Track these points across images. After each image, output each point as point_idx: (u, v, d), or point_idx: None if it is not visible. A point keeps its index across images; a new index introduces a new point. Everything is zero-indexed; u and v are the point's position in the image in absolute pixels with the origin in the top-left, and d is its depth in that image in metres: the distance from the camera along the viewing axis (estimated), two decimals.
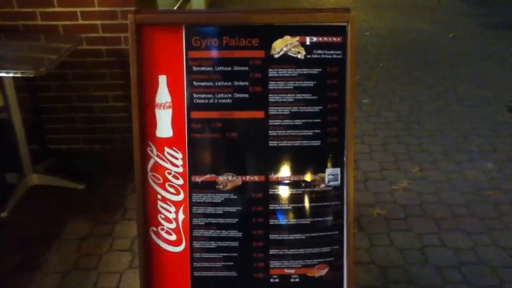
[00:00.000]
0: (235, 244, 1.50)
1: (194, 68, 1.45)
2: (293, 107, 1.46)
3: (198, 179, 1.48)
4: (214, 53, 1.45)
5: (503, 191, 2.76)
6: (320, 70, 1.45)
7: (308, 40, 1.44)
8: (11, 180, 2.71)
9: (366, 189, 2.78)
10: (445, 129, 3.54)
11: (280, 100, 1.46)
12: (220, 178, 1.47)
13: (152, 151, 1.49)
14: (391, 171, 2.98)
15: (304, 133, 1.46)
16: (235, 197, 1.48)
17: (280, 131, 1.46)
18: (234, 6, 7.34)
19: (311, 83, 1.45)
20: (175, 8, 4.46)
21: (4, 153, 2.73)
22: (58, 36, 2.76)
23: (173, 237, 1.50)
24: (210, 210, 1.49)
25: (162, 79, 1.47)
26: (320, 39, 1.44)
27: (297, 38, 1.44)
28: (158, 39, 1.44)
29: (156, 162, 1.49)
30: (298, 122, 1.46)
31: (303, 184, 1.48)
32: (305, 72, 1.45)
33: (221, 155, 1.49)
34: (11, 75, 2.21)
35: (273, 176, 1.48)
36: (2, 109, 2.57)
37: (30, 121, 2.90)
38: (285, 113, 1.46)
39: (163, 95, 1.47)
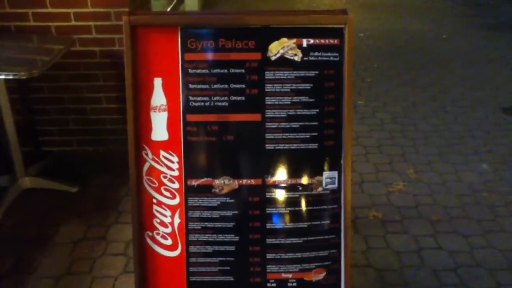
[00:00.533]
0: (232, 248, 1.48)
1: (190, 71, 1.44)
2: (290, 110, 1.45)
3: (194, 182, 1.46)
4: (210, 55, 1.44)
5: (498, 193, 2.77)
6: (317, 72, 1.44)
7: (305, 42, 1.43)
8: (3, 183, 2.68)
9: (361, 191, 2.77)
10: (440, 131, 3.55)
11: (277, 102, 1.45)
12: (216, 182, 1.46)
13: (147, 154, 1.47)
14: (386, 173, 2.98)
15: (301, 136, 1.45)
16: (232, 201, 1.47)
17: (277, 134, 1.45)
18: (228, 8, 7.32)
19: (308, 86, 1.45)
20: (168, 9, 4.44)
21: None
22: (51, 37, 2.72)
23: (169, 242, 1.48)
24: (206, 214, 1.47)
25: (158, 82, 1.45)
26: (317, 41, 1.44)
27: (294, 40, 1.43)
28: (153, 40, 1.43)
29: (151, 165, 1.47)
30: (295, 125, 1.45)
31: (300, 188, 1.47)
32: (302, 75, 1.44)
33: (217, 158, 1.47)
34: (2, 76, 2.17)
35: (270, 180, 1.47)
36: None
37: (22, 123, 2.86)
38: (282, 115, 1.45)
39: (158, 97, 1.46)
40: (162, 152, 1.47)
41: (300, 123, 1.45)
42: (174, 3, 4.76)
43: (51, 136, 3.07)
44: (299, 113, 1.44)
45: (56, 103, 2.97)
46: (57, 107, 2.98)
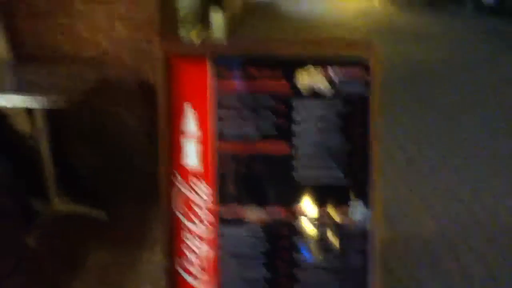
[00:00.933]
0: (261, 279, 1.47)
1: (220, 99, 1.46)
2: (319, 141, 1.45)
3: (224, 211, 1.47)
4: (239, 84, 1.46)
5: None
6: (344, 103, 1.44)
7: (332, 72, 1.44)
8: (36, 207, 2.74)
9: (388, 224, 2.70)
10: (472, 164, 3.43)
11: (306, 133, 1.45)
12: (246, 212, 1.46)
13: (177, 180, 1.49)
14: (415, 207, 2.90)
15: (329, 168, 1.45)
16: (261, 231, 1.46)
17: (305, 165, 1.45)
18: (252, 35, 7.43)
19: (336, 117, 1.45)
20: (194, 36, 4.55)
21: (30, 180, 2.76)
22: (84, 64, 2.82)
23: (199, 271, 1.48)
24: (236, 244, 1.47)
25: (189, 109, 1.48)
26: (344, 71, 1.44)
27: (322, 70, 1.44)
28: (185, 68, 1.47)
29: (182, 192, 1.49)
30: (323, 156, 1.45)
31: (328, 220, 1.46)
32: (329, 105, 1.45)
33: (247, 188, 1.48)
34: (41, 104, 2.25)
35: (299, 211, 1.46)
36: (30, 136, 2.62)
37: (53, 147, 2.94)
38: (310, 146, 1.45)
39: (189, 124, 1.49)
40: (192, 179, 1.49)
41: (328, 155, 1.45)
42: (200, 29, 4.89)
43: (81, 160, 3.14)
44: (327, 144, 1.45)
45: (86, 126, 3.05)
46: (86, 131, 3.06)
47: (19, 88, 2.52)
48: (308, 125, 1.45)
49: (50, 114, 2.90)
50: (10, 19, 2.74)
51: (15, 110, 2.74)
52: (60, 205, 2.73)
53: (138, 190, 2.96)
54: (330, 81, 1.44)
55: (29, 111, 2.57)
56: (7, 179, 2.79)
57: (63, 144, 3.07)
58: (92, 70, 2.66)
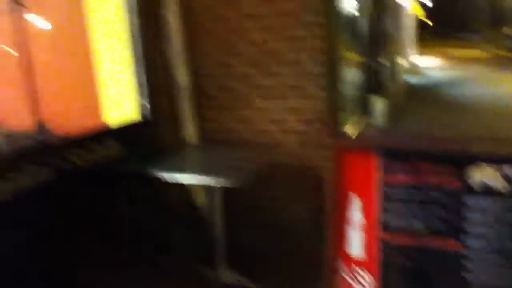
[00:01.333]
0: None
1: (386, 191, 1.52)
2: (494, 241, 1.38)
3: None
4: (406, 177, 1.50)
5: None
6: None
7: (508, 170, 1.39)
8: (204, 273, 3.01)
9: None
10: None
11: (478, 232, 1.40)
12: None
13: (341, 267, 1.55)
14: None
15: (507, 271, 1.36)
16: None
17: (479, 265, 1.38)
18: (415, 120, 7.29)
19: None
20: (357, 123, 4.69)
21: (201, 248, 3.07)
22: (258, 149, 3.15)
23: None
24: None
25: (355, 199, 1.57)
26: None
27: (496, 168, 1.41)
28: (354, 161, 1.58)
29: (344, 278, 1.54)
30: (500, 257, 1.37)
31: None
32: (506, 204, 1.39)
33: (413, 283, 1.46)
34: (220, 182, 2.57)
35: None
36: (206, 209, 2.97)
37: (225, 221, 3.24)
38: (484, 246, 1.39)
39: (355, 214, 1.56)
40: (355, 268, 1.53)
41: (505, 256, 1.36)
42: (363, 118, 5.04)
43: (248, 236, 3.37)
44: (504, 245, 1.37)
45: (252, 205, 3.31)
46: (252, 210, 3.31)
47: (203, 168, 2.92)
48: (482, 223, 1.40)
49: (226, 191, 3.26)
50: (199, 110, 3.27)
51: (197, 186, 3.16)
52: (226, 275, 2.96)
53: (302, 272, 3.03)
54: (506, 179, 1.39)
55: (208, 188, 2.93)
56: (182, 248, 3.16)
57: (234, 219, 3.38)
58: (265, 156, 2.96)
